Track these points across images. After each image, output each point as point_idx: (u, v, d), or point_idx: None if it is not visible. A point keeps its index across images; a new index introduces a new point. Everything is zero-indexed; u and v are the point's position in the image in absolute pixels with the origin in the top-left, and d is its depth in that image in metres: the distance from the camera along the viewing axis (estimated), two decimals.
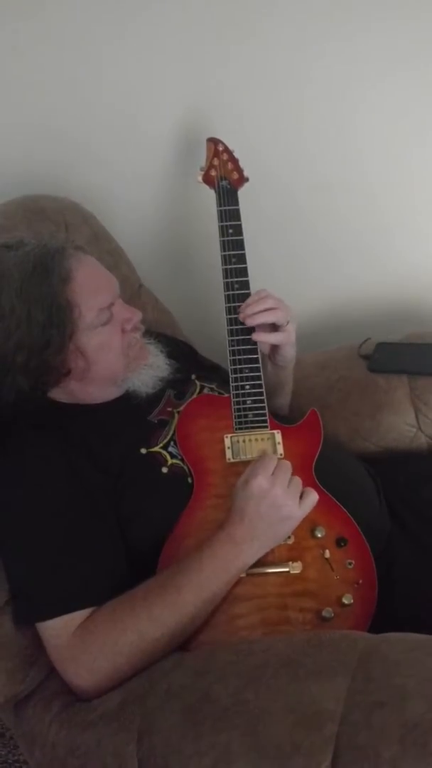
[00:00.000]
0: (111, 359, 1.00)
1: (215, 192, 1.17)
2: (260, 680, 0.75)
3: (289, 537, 0.93)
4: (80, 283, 0.96)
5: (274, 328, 1.07)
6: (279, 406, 1.21)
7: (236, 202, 1.15)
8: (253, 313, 1.03)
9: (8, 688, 0.89)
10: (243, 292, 1.08)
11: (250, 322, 1.04)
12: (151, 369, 1.05)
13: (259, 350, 1.06)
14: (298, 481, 0.91)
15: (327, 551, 0.93)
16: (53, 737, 0.85)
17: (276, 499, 0.88)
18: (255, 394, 1.03)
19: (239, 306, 1.06)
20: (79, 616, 0.87)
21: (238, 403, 1.03)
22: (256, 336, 1.05)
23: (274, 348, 1.10)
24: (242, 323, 1.05)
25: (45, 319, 0.94)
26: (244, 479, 0.90)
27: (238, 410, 1.02)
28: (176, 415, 1.05)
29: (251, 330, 1.06)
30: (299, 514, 0.90)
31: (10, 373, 0.96)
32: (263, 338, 1.06)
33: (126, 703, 0.81)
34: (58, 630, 0.87)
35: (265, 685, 0.75)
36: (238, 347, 1.05)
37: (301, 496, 0.90)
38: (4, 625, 0.89)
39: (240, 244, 1.10)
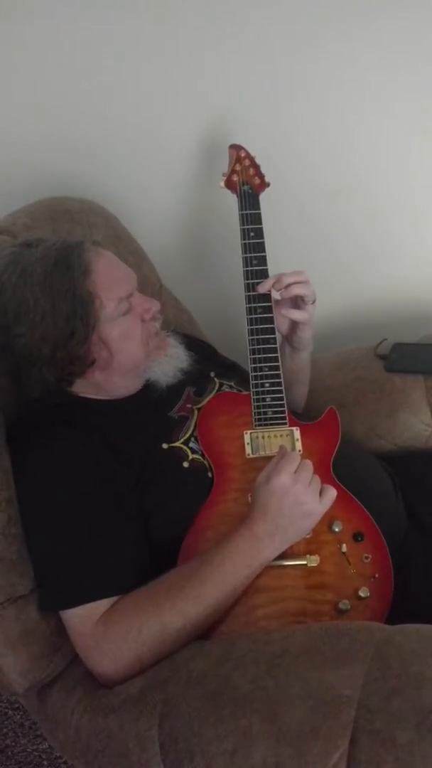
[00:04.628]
0: (132, 348, 1.03)
1: (237, 196, 1.20)
2: (279, 667, 0.77)
3: None
4: (100, 275, 0.99)
5: (296, 306, 1.10)
6: (297, 397, 1.23)
7: (258, 206, 1.18)
8: (288, 284, 1.07)
9: (33, 674, 0.91)
10: (264, 293, 1.10)
11: (285, 295, 1.08)
12: (171, 359, 1.08)
13: (277, 341, 1.08)
14: (317, 478, 0.93)
15: (344, 545, 0.95)
16: (76, 722, 0.87)
17: (298, 496, 0.89)
18: (274, 392, 1.05)
19: (259, 307, 1.09)
20: (103, 604, 0.89)
21: (257, 400, 1.05)
22: (285, 311, 1.09)
23: (294, 328, 1.13)
24: (262, 322, 1.08)
25: (69, 311, 0.96)
26: (266, 475, 0.92)
27: (258, 407, 1.05)
28: (196, 412, 1.07)
29: (272, 322, 1.09)
30: (320, 511, 0.91)
31: (36, 365, 0.99)
32: (290, 313, 1.09)
33: (148, 689, 0.83)
34: (82, 618, 0.89)
35: (284, 672, 0.77)
36: (259, 346, 1.08)
37: (320, 493, 0.92)
38: (29, 612, 0.91)
39: (261, 247, 1.13)
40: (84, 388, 1.05)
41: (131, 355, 1.03)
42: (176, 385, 1.08)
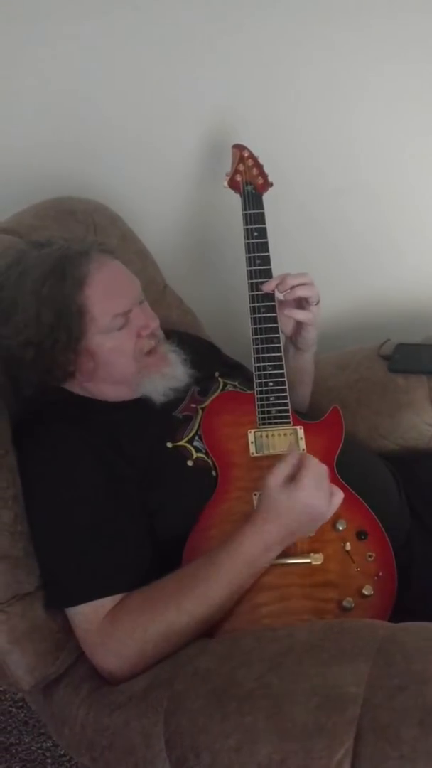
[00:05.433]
0: (122, 363, 1.02)
1: (241, 196, 1.20)
2: (284, 664, 0.78)
3: None
4: (95, 289, 0.98)
5: (300, 307, 1.10)
6: (300, 397, 1.23)
7: (261, 206, 1.18)
8: (292, 285, 1.07)
9: (39, 671, 0.91)
10: (267, 292, 1.11)
11: (289, 297, 1.08)
12: (164, 378, 1.06)
13: (281, 342, 1.09)
14: (327, 481, 0.92)
15: (348, 544, 0.95)
16: (82, 719, 0.88)
17: (317, 506, 0.89)
18: (278, 391, 1.05)
19: (263, 306, 1.10)
20: (108, 602, 0.90)
21: (261, 399, 1.05)
22: (288, 311, 1.09)
23: (298, 328, 1.14)
24: (266, 321, 1.09)
25: (54, 320, 0.97)
26: (283, 478, 0.89)
27: (262, 406, 1.05)
28: (200, 411, 1.08)
29: (275, 321, 1.09)
30: (329, 515, 0.91)
31: (22, 368, 1.00)
32: (294, 314, 1.10)
33: (153, 686, 0.83)
34: (88, 616, 0.90)
35: (289, 669, 0.77)
36: (262, 345, 1.08)
37: None
38: (35, 610, 0.92)
39: (264, 247, 1.13)
40: (78, 390, 1.05)
41: (119, 369, 1.03)
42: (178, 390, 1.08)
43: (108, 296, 1.00)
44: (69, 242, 1.03)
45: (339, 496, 0.92)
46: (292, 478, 0.89)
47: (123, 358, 1.02)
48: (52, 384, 1.03)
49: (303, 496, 0.88)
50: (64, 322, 0.97)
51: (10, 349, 0.99)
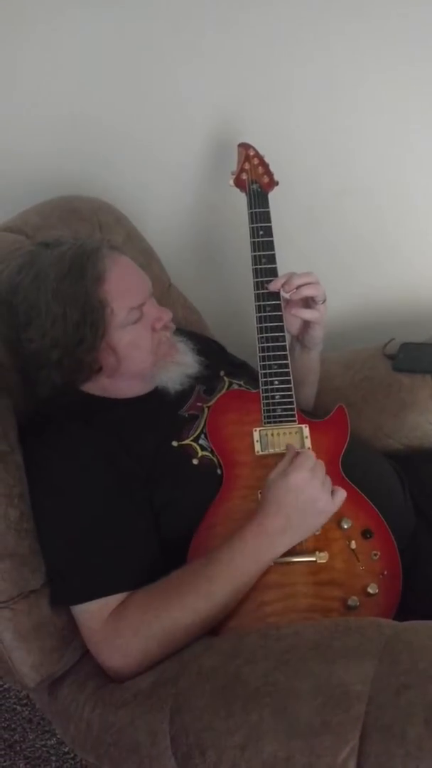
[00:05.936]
0: (141, 356, 1.03)
1: (246, 195, 1.21)
2: (289, 663, 0.78)
3: None
4: (112, 284, 0.99)
5: (307, 306, 1.10)
6: (305, 396, 1.24)
7: (267, 205, 1.18)
8: (298, 285, 1.08)
9: (45, 668, 0.92)
10: (273, 291, 1.11)
11: (295, 296, 1.09)
12: (179, 366, 1.08)
13: (287, 341, 1.09)
14: (329, 478, 0.94)
15: (353, 542, 0.95)
16: (88, 716, 0.88)
17: (314, 494, 0.90)
18: (284, 390, 1.06)
19: (269, 305, 1.10)
20: (113, 600, 0.90)
21: (267, 397, 1.05)
22: (295, 311, 1.09)
23: (305, 327, 1.14)
24: (271, 320, 1.09)
25: (79, 318, 0.97)
26: (281, 471, 0.92)
27: (267, 405, 1.05)
28: (206, 410, 1.08)
29: (281, 320, 1.09)
30: (332, 510, 0.92)
31: (45, 368, 1.00)
32: (301, 313, 1.10)
33: (158, 683, 0.84)
34: (93, 613, 0.90)
35: (294, 667, 0.77)
36: (268, 344, 1.08)
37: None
38: (41, 607, 0.92)
39: (270, 245, 1.14)
40: (92, 388, 1.06)
41: (138, 362, 1.04)
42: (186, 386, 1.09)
43: (124, 290, 1.00)
44: (78, 240, 1.03)
45: (342, 493, 0.93)
46: None
47: (140, 352, 1.03)
48: (77, 384, 1.04)
49: (295, 477, 0.90)
50: (89, 319, 0.97)
51: (34, 351, 0.99)
